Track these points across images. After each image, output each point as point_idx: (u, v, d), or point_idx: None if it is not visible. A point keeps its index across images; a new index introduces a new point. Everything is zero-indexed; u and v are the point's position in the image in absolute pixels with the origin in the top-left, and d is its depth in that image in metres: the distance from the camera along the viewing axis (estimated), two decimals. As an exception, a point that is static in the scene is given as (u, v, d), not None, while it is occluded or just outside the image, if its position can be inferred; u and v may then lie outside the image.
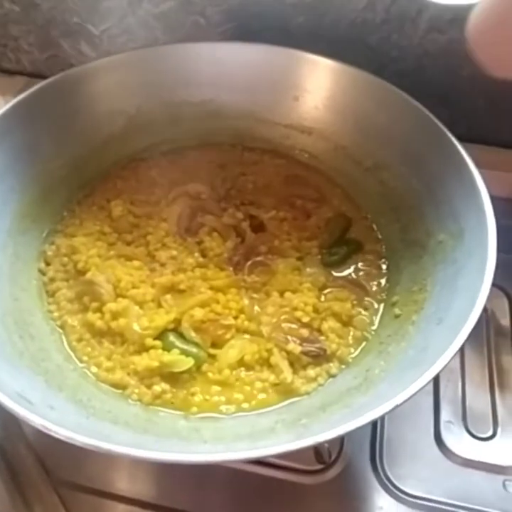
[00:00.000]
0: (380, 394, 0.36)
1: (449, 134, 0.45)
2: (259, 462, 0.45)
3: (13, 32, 0.69)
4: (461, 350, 0.53)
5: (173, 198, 0.53)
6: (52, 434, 0.29)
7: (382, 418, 0.47)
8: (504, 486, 0.45)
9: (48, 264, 0.49)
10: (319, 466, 0.45)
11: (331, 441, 0.44)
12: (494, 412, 0.49)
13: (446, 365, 0.33)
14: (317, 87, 0.54)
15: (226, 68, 0.55)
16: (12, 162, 0.48)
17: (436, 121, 0.46)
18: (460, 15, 0.55)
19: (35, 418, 0.30)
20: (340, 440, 0.46)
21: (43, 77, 0.76)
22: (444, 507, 0.44)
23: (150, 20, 0.64)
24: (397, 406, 0.31)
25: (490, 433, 0.48)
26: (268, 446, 0.31)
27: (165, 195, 0.53)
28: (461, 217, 0.43)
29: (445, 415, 0.48)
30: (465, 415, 0.49)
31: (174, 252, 0.49)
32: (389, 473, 0.45)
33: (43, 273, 0.48)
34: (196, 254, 0.49)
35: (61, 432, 0.29)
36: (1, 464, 0.44)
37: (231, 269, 0.48)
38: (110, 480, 0.45)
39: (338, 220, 0.52)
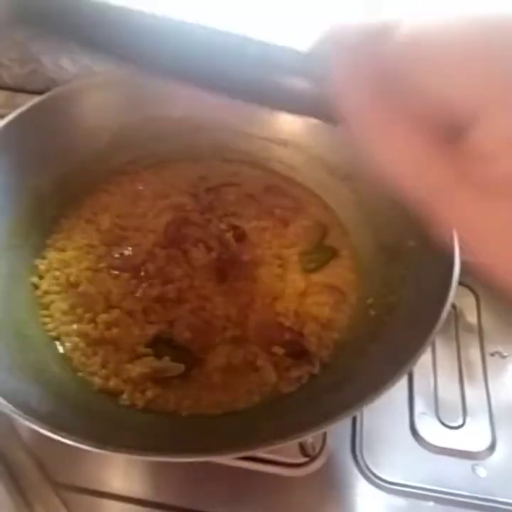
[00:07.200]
0: (356, 392, 0.39)
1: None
2: (248, 458, 0.48)
3: (-7, 48, 0.71)
4: (432, 346, 0.58)
5: (159, 210, 0.55)
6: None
7: (361, 412, 0.51)
8: (473, 469, 0.49)
9: (40, 277, 0.51)
10: (304, 459, 0.48)
11: (314, 436, 0.48)
12: (464, 403, 0.53)
13: (415, 364, 0.36)
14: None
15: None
16: (1, 181, 0.49)
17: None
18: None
19: (39, 425, 0.33)
20: (323, 435, 0.49)
21: (24, 91, 0.77)
22: (418, 491, 0.47)
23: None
24: (372, 401, 0.34)
25: (460, 422, 0.52)
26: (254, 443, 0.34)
27: (150, 207, 0.56)
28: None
29: (419, 407, 0.52)
30: (437, 406, 0.53)
31: (162, 263, 0.51)
32: (368, 463, 0.49)
33: (36, 286, 0.50)
34: (183, 265, 0.51)
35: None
36: (2, 469, 0.46)
37: (217, 277, 0.51)
38: (107, 479, 0.47)
39: (315, 227, 0.56)
